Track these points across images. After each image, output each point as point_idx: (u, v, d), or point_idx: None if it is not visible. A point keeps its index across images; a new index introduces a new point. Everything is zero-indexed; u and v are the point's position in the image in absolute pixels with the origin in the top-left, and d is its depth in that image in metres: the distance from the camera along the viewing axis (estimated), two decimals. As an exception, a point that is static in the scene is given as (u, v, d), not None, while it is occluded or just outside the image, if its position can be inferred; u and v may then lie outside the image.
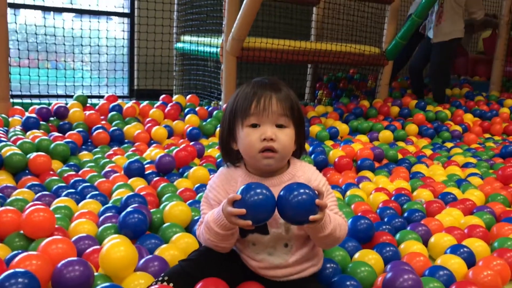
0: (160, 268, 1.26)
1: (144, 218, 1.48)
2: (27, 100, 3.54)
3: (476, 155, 2.97)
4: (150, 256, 1.30)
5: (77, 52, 4.53)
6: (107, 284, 1.06)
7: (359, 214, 1.77)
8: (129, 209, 1.53)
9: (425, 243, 1.62)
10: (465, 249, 1.50)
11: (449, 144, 3.29)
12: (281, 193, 1.03)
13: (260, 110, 1.10)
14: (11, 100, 3.16)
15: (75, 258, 1.13)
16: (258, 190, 1.01)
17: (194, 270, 1.13)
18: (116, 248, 1.20)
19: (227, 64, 3.42)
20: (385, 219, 1.77)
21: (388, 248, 1.48)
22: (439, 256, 1.53)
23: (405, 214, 1.84)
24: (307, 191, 1.02)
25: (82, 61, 4.41)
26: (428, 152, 2.98)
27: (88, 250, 1.34)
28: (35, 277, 1.04)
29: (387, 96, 4.26)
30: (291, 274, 1.17)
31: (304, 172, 1.17)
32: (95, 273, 1.19)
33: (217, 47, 3.53)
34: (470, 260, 1.47)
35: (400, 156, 2.74)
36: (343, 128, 3.33)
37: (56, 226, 1.46)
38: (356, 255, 1.44)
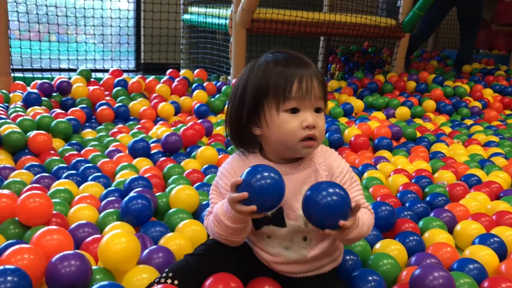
0: (165, 260, 1.16)
1: (148, 204, 1.38)
2: (29, 75, 3.41)
3: (498, 133, 2.82)
4: (154, 246, 1.20)
5: (81, 24, 4.37)
6: (105, 282, 0.95)
7: (378, 199, 1.66)
8: (132, 194, 1.43)
9: (450, 230, 1.51)
10: (496, 238, 1.38)
11: (468, 121, 3.14)
12: (308, 192, 0.91)
13: (303, 93, 0.96)
14: (12, 75, 3.04)
15: (71, 252, 1.03)
16: (265, 174, 0.89)
17: (201, 266, 1.02)
18: (117, 239, 1.09)
19: (236, 36, 3.27)
20: (406, 204, 1.65)
21: (411, 238, 1.37)
22: (467, 246, 1.42)
23: (427, 199, 1.72)
24: (338, 191, 0.89)
25: (86, 34, 4.26)
26: (447, 129, 2.84)
27: (87, 239, 1.24)
28: (26, 275, 0.94)
29: (403, 70, 4.10)
30: (309, 270, 1.07)
31: (325, 158, 1.04)
32: (94, 267, 1.09)
33: (226, 19, 3.37)
34: (501, 251, 1.35)
35: (418, 134, 2.61)
36: (357, 104, 3.18)
37: (55, 212, 1.36)
38: (377, 246, 1.32)
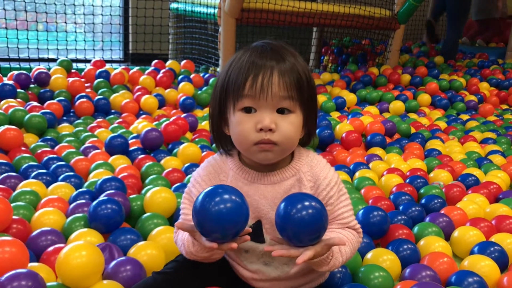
0: (133, 274, 1.04)
1: (119, 208, 1.26)
2: (15, 65, 3.26)
3: (495, 129, 2.72)
4: (122, 258, 1.08)
5: (69, 13, 4.21)
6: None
7: (370, 201, 1.55)
8: (101, 197, 1.31)
9: (447, 237, 1.40)
10: (496, 247, 1.28)
11: (464, 116, 3.03)
12: (282, 204, 0.81)
13: (257, 90, 0.83)
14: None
15: (22, 271, 0.91)
16: (218, 198, 0.78)
17: (171, 286, 0.91)
18: (77, 252, 0.98)
19: (225, 26, 3.13)
20: (400, 208, 1.54)
21: (405, 246, 1.26)
22: (465, 254, 1.32)
23: (422, 201, 1.61)
24: (313, 204, 0.79)
25: (75, 23, 4.10)
26: (443, 125, 2.73)
27: (49, 249, 1.12)
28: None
29: (397, 64, 3.98)
30: (292, 287, 0.95)
31: (312, 167, 0.92)
32: (52, 283, 0.97)
33: (215, 8, 3.23)
34: (502, 261, 1.25)
35: (412, 130, 2.50)
36: (350, 98, 3.07)
37: (16, 217, 1.24)
38: (369, 255, 1.22)
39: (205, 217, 0.77)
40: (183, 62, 3.35)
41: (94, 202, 1.26)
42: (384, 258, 1.19)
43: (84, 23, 4.06)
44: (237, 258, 0.97)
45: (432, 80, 3.56)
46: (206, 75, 3.19)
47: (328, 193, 0.91)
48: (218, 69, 3.38)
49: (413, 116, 2.92)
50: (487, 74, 4.00)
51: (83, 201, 1.38)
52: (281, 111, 0.85)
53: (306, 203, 0.79)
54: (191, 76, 3.07)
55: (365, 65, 4.03)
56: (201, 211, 0.78)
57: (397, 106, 2.94)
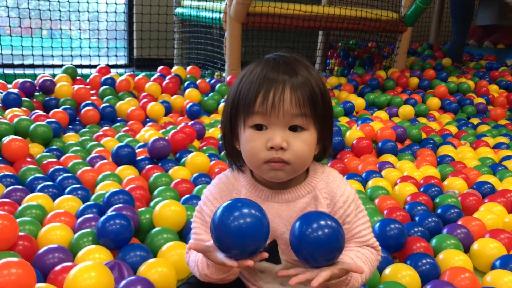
0: (144, 295, 1.00)
1: (128, 224, 1.22)
2: (19, 71, 3.24)
3: (507, 133, 2.67)
4: (132, 278, 1.04)
5: (74, 19, 4.19)
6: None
7: (385, 212, 1.50)
8: (109, 212, 1.27)
9: (466, 249, 1.36)
10: (519, 261, 1.23)
11: (475, 120, 2.98)
12: (297, 224, 0.77)
13: (268, 108, 0.79)
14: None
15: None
16: (240, 212, 0.75)
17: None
18: (86, 274, 0.94)
19: (231, 31, 3.10)
20: (416, 219, 1.49)
21: (424, 261, 1.21)
22: (486, 268, 1.28)
23: (438, 211, 1.57)
24: (329, 223, 0.76)
25: (79, 29, 4.08)
26: (453, 129, 2.69)
27: (57, 268, 1.08)
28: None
29: (404, 67, 3.93)
30: (309, 307, 0.91)
31: (328, 183, 0.88)
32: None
33: (220, 13, 3.20)
34: (526, 276, 1.20)
35: (423, 136, 2.45)
36: (358, 102, 3.02)
37: (22, 233, 1.21)
38: (387, 271, 1.17)
39: (224, 233, 0.74)
40: (188, 68, 3.31)
41: (102, 218, 1.22)
42: (403, 274, 1.15)
43: (88, 29, 4.04)
44: (252, 279, 0.93)
45: (440, 83, 3.51)
46: (212, 81, 3.15)
47: (346, 211, 0.87)
48: (224, 74, 3.34)
49: (422, 120, 2.87)
50: (496, 76, 3.94)
51: (91, 215, 1.34)
52: (293, 128, 0.81)
53: (322, 222, 0.76)
54: (197, 82, 3.04)
55: (372, 69, 3.98)
56: (220, 226, 0.74)
57: (407, 110, 2.89)
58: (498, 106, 3.26)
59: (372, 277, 1.13)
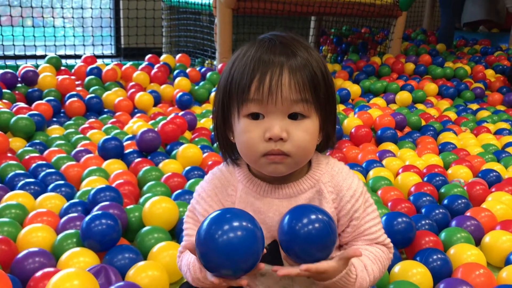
0: (134, 302, 0.91)
1: (115, 223, 1.12)
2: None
3: (508, 119, 2.60)
4: (120, 284, 0.95)
5: (57, 7, 4.04)
6: None
7: (389, 204, 1.42)
8: (95, 211, 1.17)
9: (477, 242, 1.28)
10: (534, 255, 1.16)
11: (473, 106, 2.91)
12: (286, 218, 0.70)
13: (264, 94, 0.70)
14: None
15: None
16: (227, 227, 0.66)
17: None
18: (68, 282, 0.84)
19: (221, 17, 2.98)
20: (422, 211, 1.41)
21: (435, 256, 1.14)
22: (499, 263, 1.21)
23: (445, 202, 1.49)
24: (320, 217, 0.69)
25: (63, 17, 3.93)
26: (452, 115, 2.61)
27: (37, 274, 0.98)
28: None
29: (399, 52, 3.85)
30: (315, 312, 0.83)
31: (333, 176, 0.79)
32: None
33: (209, -2, 3.08)
34: (543, 270, 1.13)
35: (423, 123, 2.37)
36: (354, 89, 2.94)
37: (0, 236, 1.11)
38: (396, 269, 1.09)
39: (211, 250, 0.65)
40: (178, 56, 3.20)
41: (87, 218, 1.13)
42: (414, 272, 1.07)
43: (73, 17, 3.89)
44: (252, 283, 0.84)
45: (437, 69, 3.43)
46: (203, 69, 3.04)
47: (353, 206, 0.79)
48: (214, 62, 3.23)
49: (420, 107, 2.80)
50: (492, 61, 3.87)
51: (75, 214, 1.24)
52: (293, 116, 0.72)
53: (313, 216, 0.69)
54: (187, 70, 2.93)
55: (366, 55, 3.89)
56: (206, 242, 0.65)
57: (404, 97, 2.81)
58: (496, 92, 3.19)
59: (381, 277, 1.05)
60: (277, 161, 0.73)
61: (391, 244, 0.84)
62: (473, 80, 3.44)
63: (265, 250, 0.72)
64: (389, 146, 1.99)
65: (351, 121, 2.12)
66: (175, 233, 1.27)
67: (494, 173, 1.72)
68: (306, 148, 0.74)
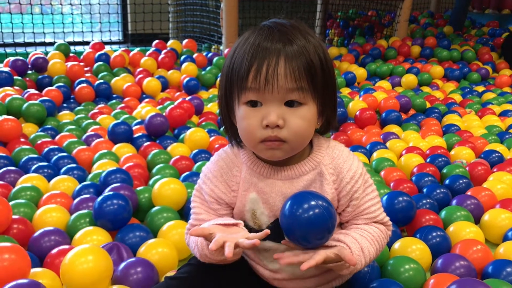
0: (144, 277, 0.97)
1: (126, 204, 1.17)
2: (10, 51, 3.15)
3: (511, 100, 2.61)
4: (132, 259, 1.00)
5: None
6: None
7: (391, 184, 1.46)
8: (107, 192, 1.22)
9: (476, 220, 1.31)
10: (532, 231, 1.19)
11: (479, 88, 2.91)
12: (287, 204, 0.75)
13: (261, 83, 0.73)
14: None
15: (24, 281, 0.83)
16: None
17: (187, 292, 0.83)
18: (83, 257, 0.90)
19: (227, 2, 3.00)
20: (424, 190, 1.45)
21: (434, 233, 1.17)
22: (497, 240, 1.24)
23: (446, 182, 1.52)
24: (320, 203, 0.75)
25: (71, 4, 3.96)
26: (458, 98, 2.63)
27: (53, 251, 1.04)
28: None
29: (406, 35, 3.84)
30: (317, 285, 0.87)
31: (333, 158, 0.82)
32: (57, 291, 0.90)
33: (215, -17, 3.09)
34: (540, 247, 1.16)
35: (428, 105, 2.39)
36: (360, 73, 2.95)
37: (17, 216, 1.16)
38: (396, 245, 1.13)
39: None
40: (185, 41, 3.22)
41: (99, 198, 1.17)
42: (413, 248, 1.11)
43: (80, 4, 3.92)
44: (257, 258, 0.88)
45: (443, 51, 3.43)
46: (210, 54, 3.07)
47: (353, 187, 0.82)
48: (221, 47, 3.26)
49: (426, 89, 2.81)
50: (500, 43, 3.85)
51: (88, 195, 1.30)
52: (290, 103, 0.75)
53: (312, 202, 0.74)
54: (194, 55, 2.96)
55: (372, 38, 3.89)
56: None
57: (410, 79, 2.82)
58: (503, 74, 3.19)
59: (381, 253, 1.09)
60: (274, 147, 0.76)
61: (390, 222, 0.88)
62: (481, 62, 3.43)
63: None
64: (393, 128, 2.02)
65: (355, 104, 2.15)
66: (184, 213, 1.31)
67: (497, 154, 1.75)
68: (303, 135, 0.77)
